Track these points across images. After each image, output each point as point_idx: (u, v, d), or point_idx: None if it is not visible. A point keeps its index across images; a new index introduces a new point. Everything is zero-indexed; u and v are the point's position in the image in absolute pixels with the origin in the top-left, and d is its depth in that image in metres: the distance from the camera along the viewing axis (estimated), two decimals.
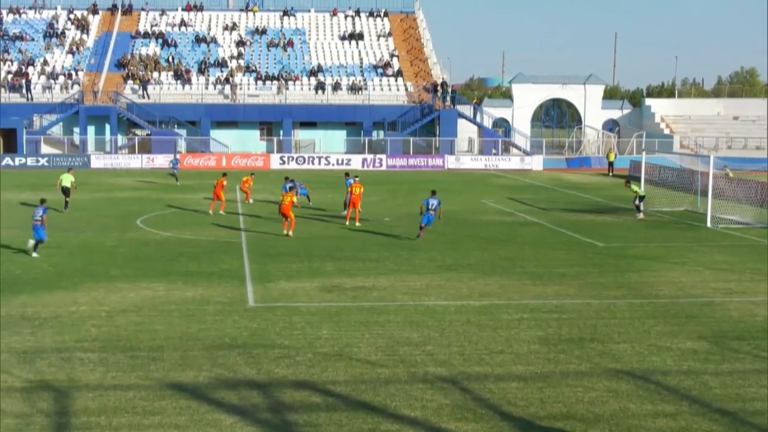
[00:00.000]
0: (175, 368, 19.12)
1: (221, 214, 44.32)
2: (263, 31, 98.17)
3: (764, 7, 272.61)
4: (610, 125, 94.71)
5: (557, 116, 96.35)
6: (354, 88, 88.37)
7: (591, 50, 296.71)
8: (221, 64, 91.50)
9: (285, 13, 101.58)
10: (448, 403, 17.17)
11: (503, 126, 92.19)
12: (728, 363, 19.96)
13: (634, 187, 46.12)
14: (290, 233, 37.33)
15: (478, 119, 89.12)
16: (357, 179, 43.67)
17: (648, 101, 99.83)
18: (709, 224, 42.65)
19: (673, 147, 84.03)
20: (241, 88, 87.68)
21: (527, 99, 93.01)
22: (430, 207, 36.43)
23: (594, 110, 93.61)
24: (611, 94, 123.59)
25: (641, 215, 45.38)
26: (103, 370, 18.98)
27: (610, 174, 75.42)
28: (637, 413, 16.57)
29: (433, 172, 76.94)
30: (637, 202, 45.75)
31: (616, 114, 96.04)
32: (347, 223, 41.57)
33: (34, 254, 32.15)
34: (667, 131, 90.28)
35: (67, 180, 46.71)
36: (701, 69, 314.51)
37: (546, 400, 17.32)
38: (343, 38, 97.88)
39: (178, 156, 71.80)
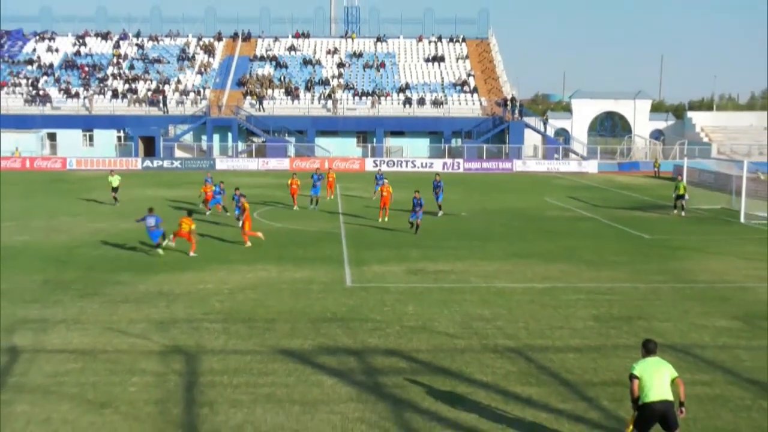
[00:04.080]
0: (285, 337, 19.36)
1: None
2: (360, 55, 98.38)
3: None
4: (656, 134, 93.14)
5: (610, 126, 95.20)
6: (436, 103, 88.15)
7: (640, 70, 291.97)
8: (324, 82, 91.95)
9: (378, 39, 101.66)
10: (514, 370, 17.14)
11: (563, 135, 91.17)
12: (758, 340, 19.61)
13: (681, 185, 45.03)
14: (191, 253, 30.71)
15: (542, 129, 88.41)
16: (386, 181, 43.27)
17: (690, 114, 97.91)
18: (742, 220, 41.74)
19: (711, 153, 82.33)
20: (341, 103, 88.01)
21: (584, 112, 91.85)
22: (417, 204, 36.21)
23: (642, 121, 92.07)
24: (657, 108, 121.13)
25: (682, 213, 44.39)
26: (226, 337, 19.30)
27: (656, 176, 74.37)
28: None
29: (503, 174, 76.46)
30: (685, 199, 44.74)
31: (661, 125, 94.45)
32: (379, 220, 40.17)
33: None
34: (706, 140, 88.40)
35: (116, 181, 47.32)
36: (737, 85, 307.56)
37: (599, 369, 17.21)
38: (427, 60, 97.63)
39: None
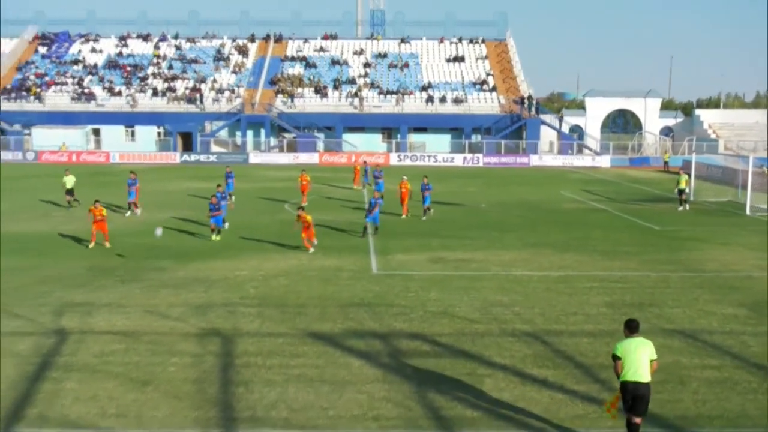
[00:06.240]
0: (315, 321, 19.42)
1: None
2: (385, 55, 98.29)
3: None
4: (666, 131, 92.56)
5: (622, 124, 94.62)
6: (457, 101, 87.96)
7: (651, 69, 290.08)
8: (351, 81, 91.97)
9: (402, 40, 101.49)
10: (531, 353, 17.12)
11: (578, 131, 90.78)
12: (764, 326, 19.48)
13: (683, 179, 43.72)
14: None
15: (557, 126, 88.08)
16: (405, 178, 39.92)
17: (698, 111, 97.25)
18: (748, 212, 41.45)
19: (718, 149, 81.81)
20: (367, 101, 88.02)
21: (597, 110, 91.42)
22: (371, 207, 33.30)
23: (652, 119, 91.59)
24: (667, 106, 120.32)
25: (686, 207, 43.10)
26: (260, 321, 19.38)
27: (666, 170, 73.96)
28: (687, 365, 16.30)
29: (520, 168, 76.18)
30: (685, 195, 43.52)
31: (671, 122, 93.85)
32: (403, 216, 38.52)
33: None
34: (713, 136, 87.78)
35: (70, 182, 41.63)
36: (743, 84, 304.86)
37: (611, 352, 17.12)
38: (448, 60, 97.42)
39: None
